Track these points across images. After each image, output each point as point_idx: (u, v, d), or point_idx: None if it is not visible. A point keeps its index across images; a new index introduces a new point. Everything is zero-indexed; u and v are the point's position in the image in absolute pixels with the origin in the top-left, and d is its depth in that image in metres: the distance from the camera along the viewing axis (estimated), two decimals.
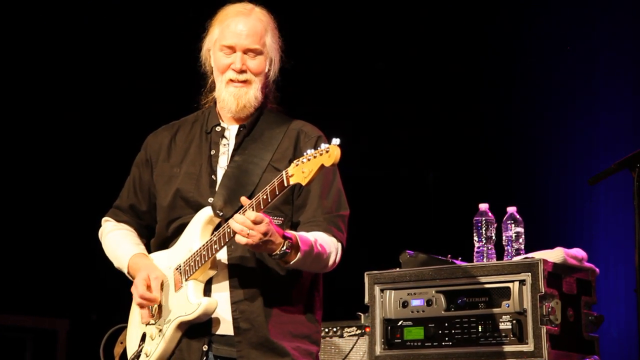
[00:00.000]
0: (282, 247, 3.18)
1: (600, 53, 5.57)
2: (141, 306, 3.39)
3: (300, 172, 3.05)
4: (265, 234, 3.12)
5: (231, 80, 3.41)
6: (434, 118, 6.10)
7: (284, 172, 3.09)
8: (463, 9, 5.97)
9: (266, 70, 3.44)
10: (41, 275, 6.46)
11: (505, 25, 5.90)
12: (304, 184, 3.06)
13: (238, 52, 3.40)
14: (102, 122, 6.43)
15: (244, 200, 3.19)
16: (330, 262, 3.35)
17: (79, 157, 6.45)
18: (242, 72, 3.40)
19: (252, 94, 3.42)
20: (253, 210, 3.14)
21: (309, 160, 3.05)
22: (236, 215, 3.16)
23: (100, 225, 3.66)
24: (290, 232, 3.23)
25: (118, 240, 3.56)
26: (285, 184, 3.09)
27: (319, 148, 3.05)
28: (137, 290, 3.36)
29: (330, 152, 3.01)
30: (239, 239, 3.14)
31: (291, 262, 3.23)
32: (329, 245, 3.33)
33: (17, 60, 6.26)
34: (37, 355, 6.49)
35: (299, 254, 3.21)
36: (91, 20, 6.29)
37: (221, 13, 3.48)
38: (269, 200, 3.13)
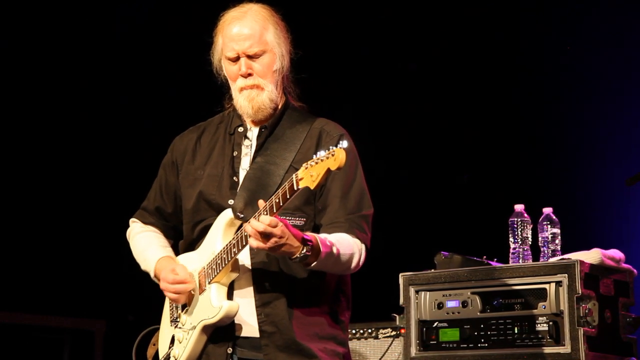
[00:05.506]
0: (302, 250, 3.15)
1: (639, 53, 5.52)
2: (177, 301, 3.41)
3: (308, 175, 3.00)
4: (280, 237, 3.09)
5: (242, 88, 3.39)
6: (469, 118, 6.07)
7: (294, 176, 3.04)
8: (502, 7, 5.93)
9: (275, 68, 3.39)
10: (78, 276, 6.51)
11: (544, 23, 5.86)
12: (312, 187, 3.00)
13: (242, 58, 3.37)
14: (136, 124, 6.47)
15: (260, 203, 3.15)
16: (354, 264, 3.31)
17: (113, 159, 6.49)
18: (249, 75, 3.37)
19: (265, 96, 3.38)
20: (267, 214, 3.09)
21: (316, 163, 2.99)
22: (252, 220, 3.13)
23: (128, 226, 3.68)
24: (310, 235, 3.19)
25: (145, 243, 3.58)
26: (295, 188, 3.04)
27: (327, 150, 2.99)
28: (167, 279, 3.37)
29: (336, 155, 2.95)
30: (252, 242, 3.11)
31: (312, 265, 3.20)
32: (352, 246, 3.30)
33: (52, 63, 6.32)
34: (75, 355, 6.56)
35: (319, 256, 3.18)
36: (125, 26, 6.34)
37: (220, 22, 3.44)
38: (281, 204, 3.08)
